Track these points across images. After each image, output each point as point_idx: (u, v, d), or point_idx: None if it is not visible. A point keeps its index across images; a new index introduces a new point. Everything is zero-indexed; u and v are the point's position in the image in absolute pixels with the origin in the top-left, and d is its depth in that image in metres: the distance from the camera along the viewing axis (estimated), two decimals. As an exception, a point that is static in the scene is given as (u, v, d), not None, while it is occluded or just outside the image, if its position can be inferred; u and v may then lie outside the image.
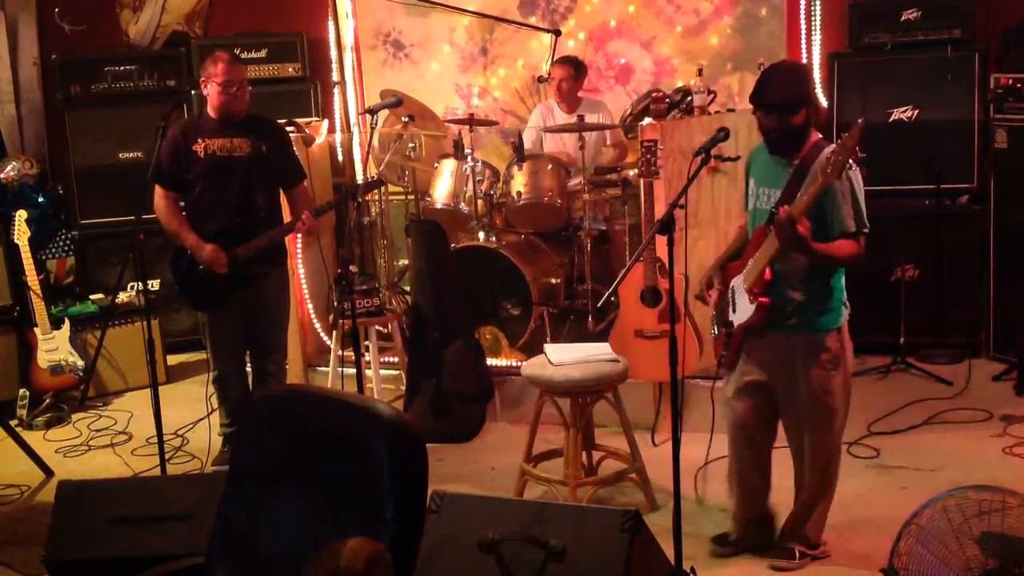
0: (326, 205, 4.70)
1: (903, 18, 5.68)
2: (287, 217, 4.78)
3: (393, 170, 5.96)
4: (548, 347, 4.31)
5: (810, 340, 3.49)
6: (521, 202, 5.50)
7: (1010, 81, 5.39)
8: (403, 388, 5.25)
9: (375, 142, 5.15)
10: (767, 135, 3.47)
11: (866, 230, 3.39)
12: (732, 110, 5.48)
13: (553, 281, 5.71)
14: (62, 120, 6.56)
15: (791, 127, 3.40)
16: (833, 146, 3.37)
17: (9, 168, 6.43)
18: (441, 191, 5.63)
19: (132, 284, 6.15)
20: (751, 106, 3.49)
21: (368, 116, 4.83)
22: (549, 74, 6.10)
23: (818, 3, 5.97)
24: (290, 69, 6.61)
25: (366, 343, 5.10)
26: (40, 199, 6.55)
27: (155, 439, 4.40)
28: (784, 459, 3.70)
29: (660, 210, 4.53)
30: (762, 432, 3.69)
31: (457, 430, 5.06)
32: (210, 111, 4.61)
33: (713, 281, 3.66)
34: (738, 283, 3.54)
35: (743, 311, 3.51)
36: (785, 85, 3.43)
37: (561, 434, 4.17)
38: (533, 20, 6.48)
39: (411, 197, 6.07)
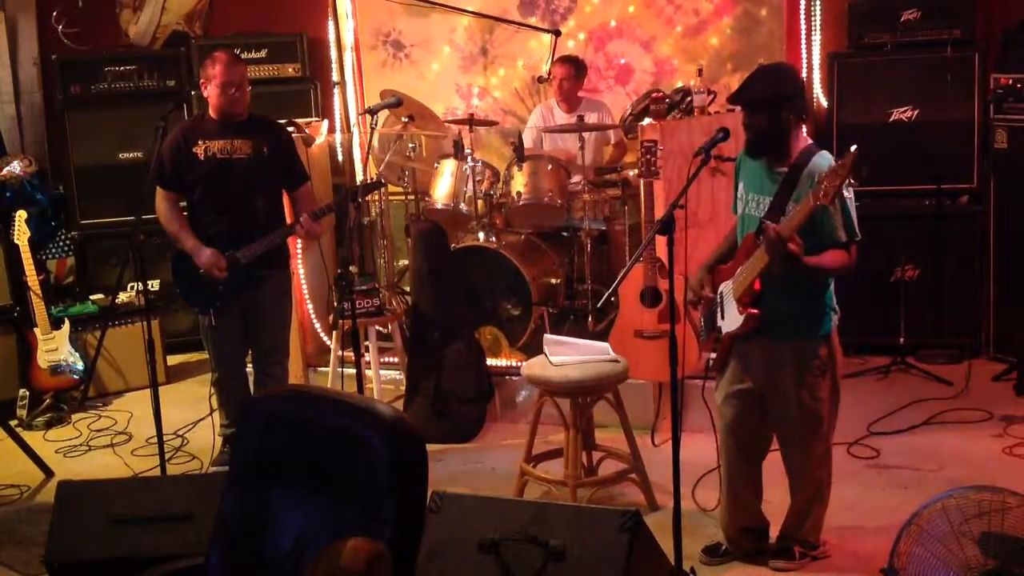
0: (325, 208, 4.65)
1: (903, 18, 5.68)
2: (290, 219, 4.78)
3: (393, 170, 5.96)
4: (547, 337, 4.32)
5: (799, 347, 3.48)
6: (521, 202, 5.50)
7: (1010, 81, 5.39)
8: (403, 388, 5.25)
9: (375, 142, 5.14)
10: (747, 136, 3.46)
11: (857, 239, 3.37)
12: (732, 110, 5.47)
13: (553, 281, 5.71)
14: (62, 120, 6.55)
15: (770, 129, 3.37)
16: (826, 158, 3.35)
17: (7, 167, 6.44)
18: (441, 191, 5.63)
19: (132, 284, 6.15)
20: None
21: (368, 116, 4.82)
22: (550, 73, 6.10)
23: (818, 3, 5.97)
24: (290, 69, 6.61)
25: (366, 343, 5.10)
26: (39, 197, 6.55)
27: (155, 439, 4.40)
28: (779, 462, 3.70)
29: (660, 210, 4.54)
30: (753, 439, 3.68)
31: (457, 430, 5.06)
32: (211, 112, 4.61)
33: (703, 284, 3.65)
34: (726, 289, 3.53)
35: (732, 319, 3.50)
36: (765, 84, 3.41)
37: (561, 434, 4.16)
38: (533, 20, 6.48)
39: (411, 197, 6.07)
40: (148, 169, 4.63)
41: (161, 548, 2.89)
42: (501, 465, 4.65)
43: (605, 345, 4.30)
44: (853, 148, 3.06)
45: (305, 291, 5.70)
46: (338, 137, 6.66)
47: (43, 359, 5.63)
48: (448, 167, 5.64)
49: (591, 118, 5.69)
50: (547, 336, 4.36)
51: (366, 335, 5.14)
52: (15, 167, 6.41)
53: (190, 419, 5.29)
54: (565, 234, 5.77)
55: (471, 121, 5.78)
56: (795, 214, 3.24)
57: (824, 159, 3.37)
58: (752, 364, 3.57)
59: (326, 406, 2.42)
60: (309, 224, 4.55)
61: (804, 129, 3.49)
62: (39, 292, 5.62)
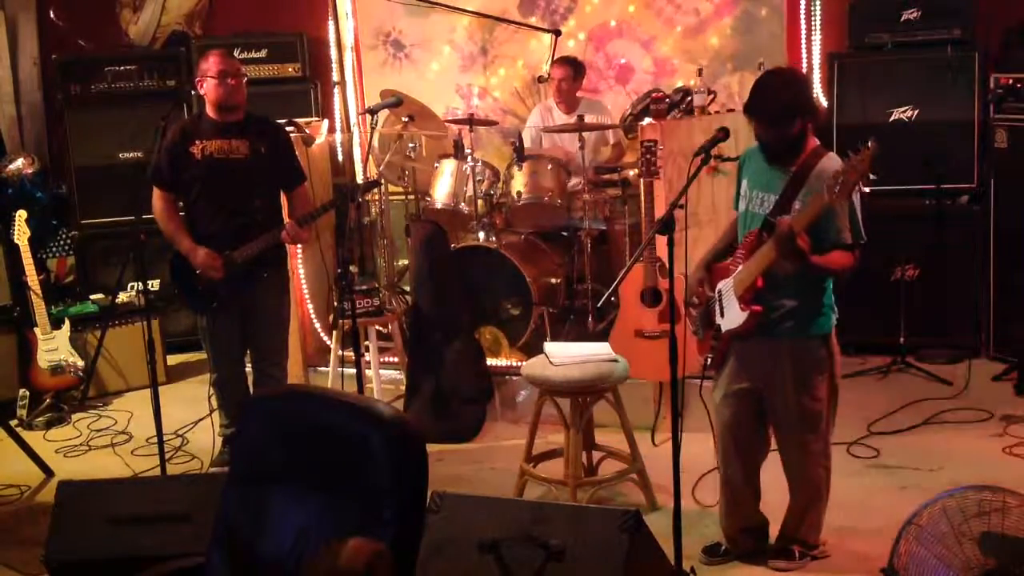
0: (314, 212, 4.62)
1: (903, 18, 5.68)
2: (287, 219, 4.77)
3: (393, 170, 5.97)
4: (548, 345, 4.31)
5: (798, 346, 3.48)
6: (521, 202, 5.50)
7: (1010, 81, 5.39)
8: (403, 388, 5.25)
9: (375, 142, 5.15)
10: (764, 146, 3.45)
11: (862, 241, 3.37)
12: (732, 110, 5.48)
13: (553, 281, 5.71)
14: (62, 120, 6.56)
15: (788, 137, 3.37)
16: (833, 160, 3.34)
17: (12, 165, 6.46)
18: (441, 191, 5.63)
19: (132, 284, 6.16)
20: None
21: (368, 116, 4.84)
22: (549, 74, 6.10)
23: (818, 3, 5.97)
24: (290, 69, 6.61)
25: (366, 343, 5.10)
26: (39, 195, 6.55)
27: (155, 439, 4.40)
28: (779, 462, 3.69)
29: (660, 210, 4.54)
30: (752, 438, 3.67)
31: (457, 430, 5.06)
32: (209, 110, 4.59)
33: (702, 283, 3.64)
34: (726, 286, 3.52)
35: (733, 317, 3.49)
36: (781, 96, 3.38)
37: (561, 434, 4.16)
38: (533, 20, 6.48)
39: (411, 197, 6.07)
40: (148, 169, 4.62)
41: (161, 548, 2.89)
42: (501, 465, 4.65)
43: (605, 345, 4.30)
44: (871, 142, 3.04)
45: (305, 291, 5.70)
46: (338, 137, 6.67)
47: (43, 359, 5.63)
48: (448, 167, 5.64)
49: (590, 118, 5.69)
50: (547, 344, 4.35)
51: (366, 335, 5.14)
52: (18, 164, 6.43)
53: (190, 419, 5.29)
54: (565, 234, 5.77)
55: (471, 121, 5.78)
56: (807, 210, 3.23)
57: (832, 161, 3.36)
58: (751, 363, 3.57)
59: (326, 406, 2.42)
60: (295, 230, 4.54)
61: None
62: (39, 292, 5.62)
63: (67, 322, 5.78)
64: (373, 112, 4.82)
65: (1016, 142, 5.43)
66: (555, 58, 6.19)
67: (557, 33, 6.34)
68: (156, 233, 4.79)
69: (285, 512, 2.31)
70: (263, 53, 6.55)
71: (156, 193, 4.61)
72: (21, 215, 5.58)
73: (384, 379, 5.37)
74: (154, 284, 6.11)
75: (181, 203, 4.69)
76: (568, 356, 4.15)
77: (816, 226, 3.28)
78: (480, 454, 4.89)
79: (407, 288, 5.89)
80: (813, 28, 5.99)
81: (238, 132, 4.55)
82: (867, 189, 3.25)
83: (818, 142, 3.46)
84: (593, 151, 5.94)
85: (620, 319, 4.78)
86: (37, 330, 5.64)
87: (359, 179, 6.49)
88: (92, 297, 6.19)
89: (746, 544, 3.75)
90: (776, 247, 3.25)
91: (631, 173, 5.57)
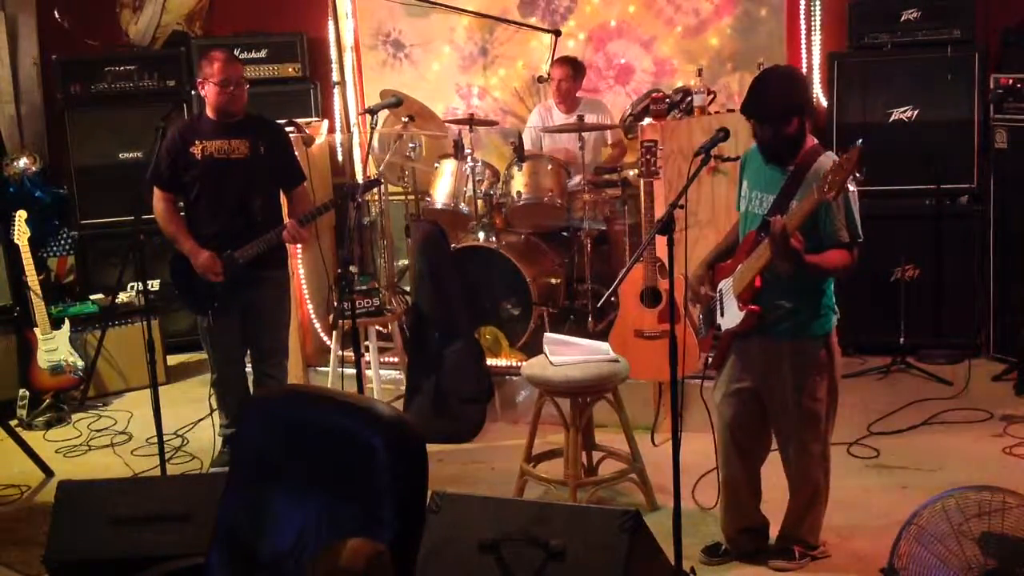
0: (313, 212, 4.61)
1: (903, 18, 5.68)
2: (287, 219, 4.77)
3: (393, 170, 5.97)
4: (547, 336, 4.31)
5: (798, 346, 3.48)
6: (521, 202, 5.50)
7: (1010, 81, 5.39)
8: (403, 388, 5.25)
9: (375, 142, 5.14)
10: (762, 145, 3.45)
11: (860, 240, 3.37)
12: (732, 110, 5.48)
13: (553, 281, 5.71)
14: (62, 120, 6.56)
15: (786, 137, 3.37)
16: (831, 158, 3.35)
17: (16, 164, 6.47)
18: (441, 191, 5.63)
19: (132, 284, 6.15)
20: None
21: (368, 116, 4.83)
22: (549, 74, 6.11)
23: (818, 3, 5.98)
24: (290, 69, 6.61)
25: (366, 343, 5.10)
26: (38, 195, 6.55)
27: (155, 439, 4.40)
28: (779, 462, 3.69)
29: (660, 210, 4.54)
30: (753, 438, 3.67)
31: (457, 430, 5.06)
32: (208, 112, 4.59)
33: (703, 282, 3.65)
34: (726, 286, 3.53)
35: (732, 316, 3.50)
36: (779, 96, 3.39)
37: (561, 434, 4.16)
38: (533, 20, 6.48)
39: (411, 197, 6.07)
40: (148, 170, 4.62)
41: (161, 548, 2.89)
42: (501, 465, 4.65)
43: (605, 345, 4.30)
44: (859, 142, 3.05)
45: (305, 291, 5.70)
46: (338, 137, 6.67)
47: (43, 359, 5.63)
48: (448, 167, 5.64)
49: (590, 118, 5.69)
50: (547, 335, 4.36)
51: (366, 335, 5.14)
52: (22, 164, 6.45)
53: (190, 419, 5.29)
54: (565, 234, 5.77)
55: (471, 121, 5.78)
56: (799, 209, 3.23)
57: (829, 159, 3.36)
58: (751, 362, 3.57)
59: (326, 406, 2.42)
60: (295, 229, 4.53)
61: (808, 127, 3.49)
62: (39, 292, 5.62)
63: (67, 322, 5.78)
64: (373, 112, 4.82)
65: (1016, 142, 5.43)
66: (555, 58, 6.19)
67: (557, 33, 6.34)
68: (156, 233, 4.79)
69: (285, 512, 2.31)
70: (263, 53, 6.55)
71: (156, 194, 4.61)
72: (21, 215, 5.58)
73: (384, 379, 5.37)
74: (154, 284, 6.10)
75: (181, 203, 4.69)
76: (567, 352, 4.15)
77: (813, 226, 3.28)
78: (480, 454, 4.89)
79: (407, 288, 5.89)
80: (813, 28, 5.99)
81: (238, 132, 4.55)
82: (852, 188, 3.26)
83: (816, 141, 3.47)
84: (593, 151, 5.94)
85: (620, 319, 4.78)
86: (37, 330, 5.64)
87: (359, 179, 6.49)
88: (92, 297, 6.19)
89: (746, 544, 3.75)
90: (770, 247, 3.26)
91: (631, 173, 5.57)
